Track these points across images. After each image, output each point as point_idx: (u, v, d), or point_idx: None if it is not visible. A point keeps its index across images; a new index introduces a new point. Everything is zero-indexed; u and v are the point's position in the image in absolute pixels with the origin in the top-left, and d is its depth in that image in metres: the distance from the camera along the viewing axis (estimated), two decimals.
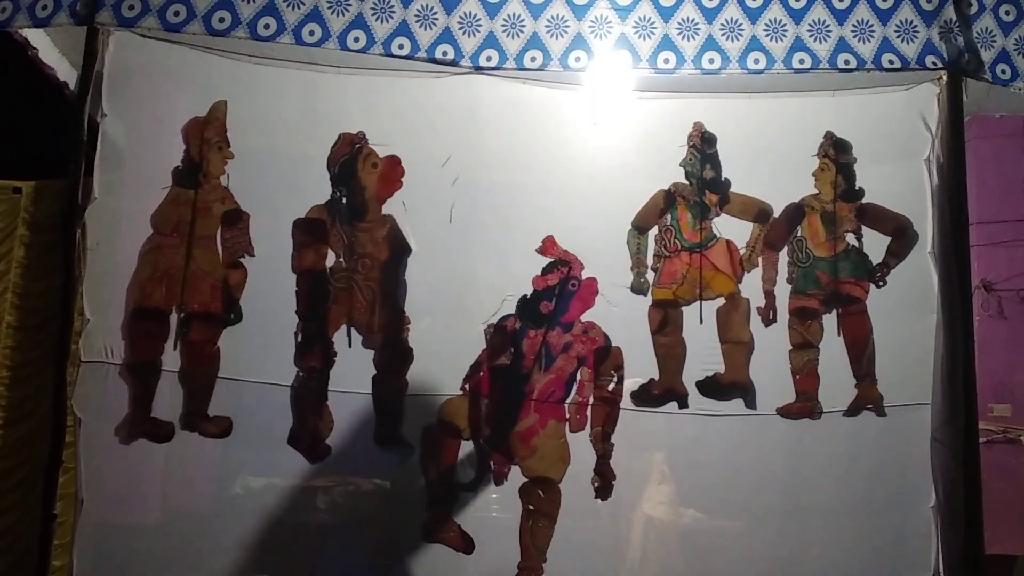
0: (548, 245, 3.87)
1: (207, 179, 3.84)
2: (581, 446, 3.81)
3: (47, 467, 3.59)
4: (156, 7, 3.76)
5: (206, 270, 3.79)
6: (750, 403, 3.82)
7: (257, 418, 3.78)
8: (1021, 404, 4.37)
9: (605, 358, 3.85)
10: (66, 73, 4.25)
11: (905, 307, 3.88)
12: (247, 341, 3.79)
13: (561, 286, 3.86)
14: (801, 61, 3.81)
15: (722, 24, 3.83)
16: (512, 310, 3.85)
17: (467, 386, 3.82)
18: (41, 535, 3.59)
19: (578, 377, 3.84)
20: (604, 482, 3.77)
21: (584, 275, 3.88)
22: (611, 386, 3.84)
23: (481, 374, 3.82)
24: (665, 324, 3.86)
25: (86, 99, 3.75)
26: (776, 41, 3.81)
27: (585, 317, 3.87)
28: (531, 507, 3.76)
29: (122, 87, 3.83)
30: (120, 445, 3.70)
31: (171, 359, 3.76)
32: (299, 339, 3.79)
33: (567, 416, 3.82)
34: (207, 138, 3.86)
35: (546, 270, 3.87)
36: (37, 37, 4.06)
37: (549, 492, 3.77)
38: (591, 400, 3.82)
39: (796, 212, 3.94)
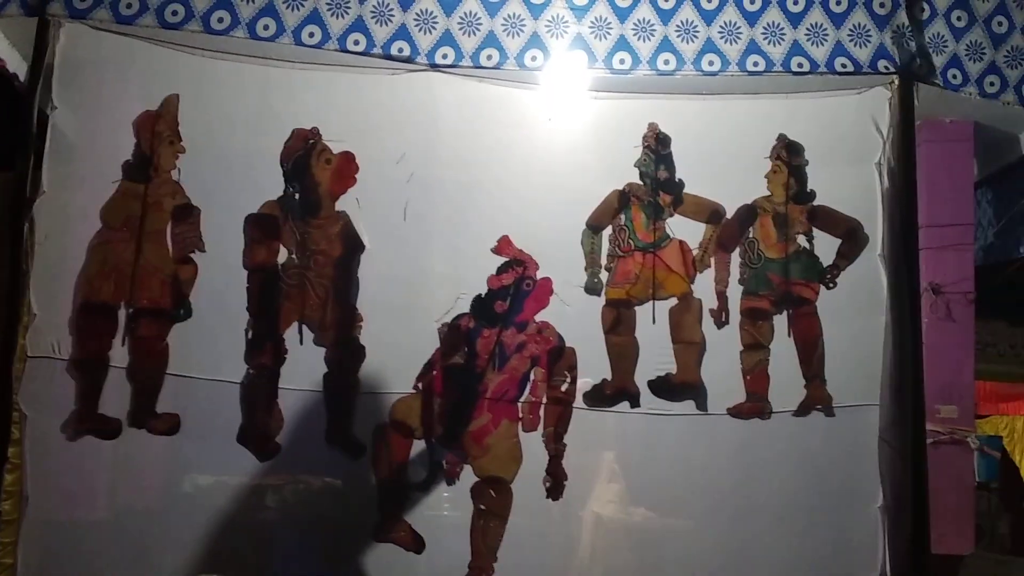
0: (503, 245, 3.86)
1: (158, 173, 3.79)
2: (533, 446, 3.79)
3: None
4: None
5: (156, 265, 3.74)
6: (701, 403, 3.83)
7: (206, 415, 3.72)
8: (967, 406, 4.42)
9: (559, 358, 3.84)
10: (16, 65, 4.17)
11: (855, 309, 3.90)
12: (197, 337, 3.73)
13: (516, 286, 3.86)
14: (755, 63, 3.83)
15: (677, 26, 3.84)
16: (466, 308, 3.83)
17: (420, 385, 3.79)
18: None
19: (531, 377, 3.83)
20: (556, 482, 3.77)
21: (539, 275, 3.88)
22: (564, 386, 3.83)
23: (434, 373, 3.80)
24: (618, 323, 3.86)
25: (36, 91, 3.68)
26: (731, 43, 3.84)
27: (539, 317, 3.86)
28: (482, 507, 3.74)
29: (73, 79, 3.77)
30: (66, 442, 3.63)
31: (119, 355, 3.69)
32: (250, 336, 3.74)
33: (520, 416, 3.81)
34: (158, 132, 3.80)
35: (501, 270, 3.86)
36: None
37: (500, 492, 3.75)
38: (544, 400, 3.82)
39: (748, 214, 3.96)
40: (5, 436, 3.55)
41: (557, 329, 3.86)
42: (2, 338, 3.59)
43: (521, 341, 3.84)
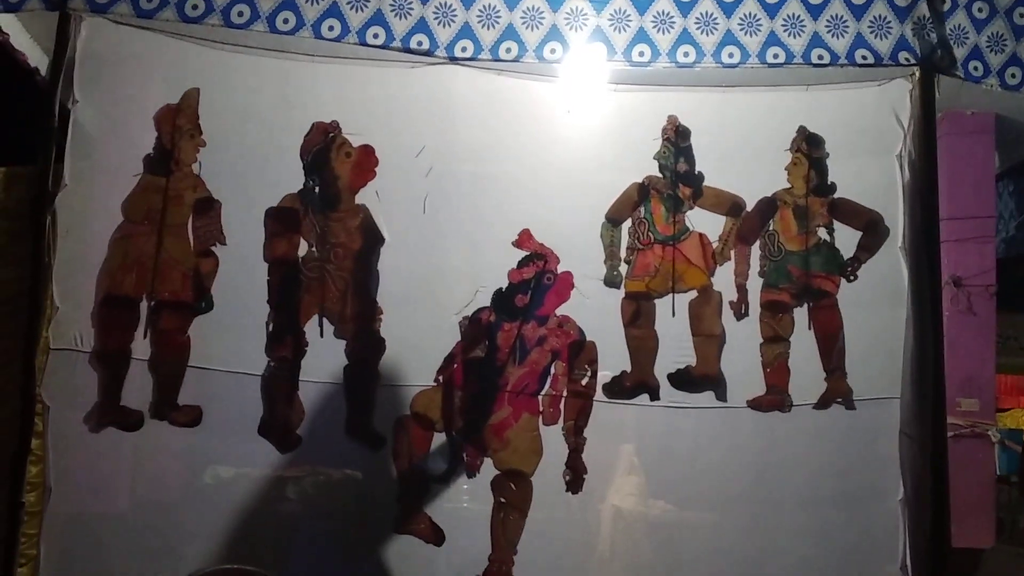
0: (524, 238, 3.86)
1: (179, 167, 3.82)
2: (553, 439, 3.80)
3: (14, 455, 3.56)
4: None
5: (177, 258, 3.77)
6: (721, 396, 3.82)
7: (227, 407, 3.75)
8: (988, 399, 4.39)
9: (579, 352, 3.84)
10: (37, 59, 4.21)
11: (875, 302, 3.88)
12: (218, 330, 3.76)
13: (536, 280, 3.86)
14: (775, 56, 3.82)
15: (697, 18, 3.83)
16: (485, 301, 3.84)
17: (441, 378, 3.80)
18: (9, 523, 3.55)
19: (552, 371, 3.83)
20: (575, 476, 3.77)
21: (559, 269, 3.88)
22: (585, 380, 3.83)
23: (455, 366, 3.81)
24: (638, 316, 3.86)
25: (57, 85, 3.72)
26: (750, 35, 3.82)
27: (560, 311, 3.86)
28: (502, 500, 3.76)
29: (94, 74, 3.80)
30: (89, 434, 3.67)
31: (141, 347, 3.73)
32: (270, 328, 3.77)
33: (540, 409, 3.81)
34: (179, 126, 3.83)
35: (522, 263, 3.86)
36: (8, 22, 4.00)
37: (520, 485, 3.76)
38: (564, 394, 3.82)
39: (768, 206, 3.94)
40: (28, 428, 3.59)
41: (577, 323, 3.85)
42: (25, 331, 3.63)
43: (542, 335, 3.84)
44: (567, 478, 3.77)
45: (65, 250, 3.69)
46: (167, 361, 3.73)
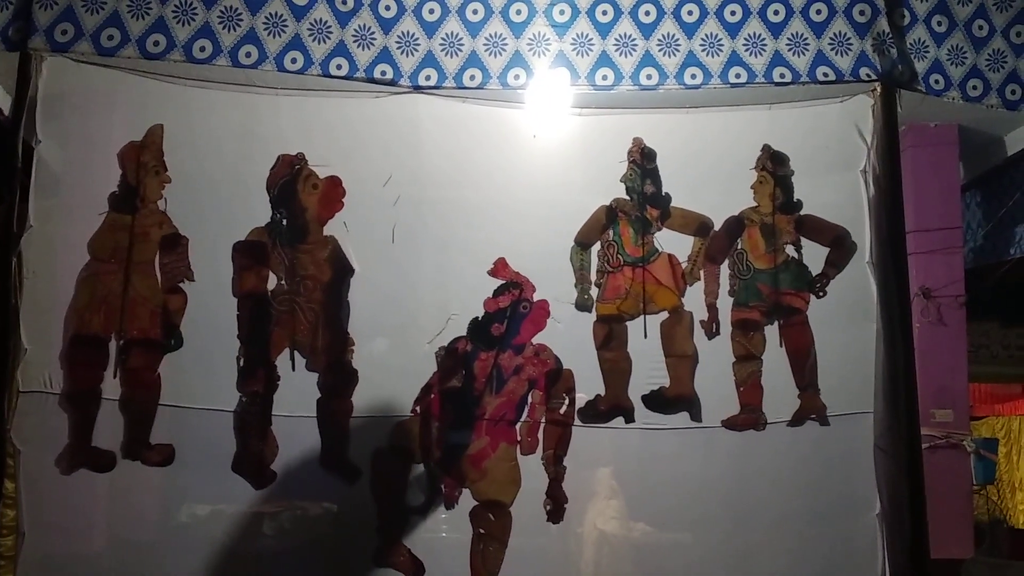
0: (500, 267, 3.86)
1: (144, 204, 3.80)
2: (533, 468, 3.78)
3: None
4: (90, 32, 3.74)
5: (145, 296, 3.74)
6: (695, 416, 3.82)
7: (200, 445, 3.71)
8: (962, 409, 4.42)
9: (556, 380, 3.84)
10: None
11: (845, 317, 3.89)
12: (188, 367, 3.73)
13: (512, 308, 3.85)
14: (737, 75, 3.85)
15: (659, 40, 3.87)
16: (456, 330, 3.82)
17: (418, 408, 3.78)
18: None
19: (529, 399, 3.82)
20: (556, 505, 3.75)
21: (535, 297, 3.87)
22: (563, 409, 3.82)
23: (432, 396, 3.79)
24: (610, 339, 3.86)
25: (20, 125, 3.70)
26: (712, 56, 3.86)
27: (536, 339, 3.86)
28: (482, 531, 3.73)
29: (57, 112, 3.78)
30: (61, 476, 3.62)
31: (111, 387, 3.69)
32: (241, 363, 3.74)
33: (518, 439, 3.79)
34: (144, 162, 3.81)
35: (498, 292, 3.86)
36: None
37: (500, 516, 3.74)
38: (542, 422, 3.80)
39: (736, 225, 3.96)
40: (0, 472, 3.53)
41: (553, 350, 3.85)
42: None
43: (518, 364, 3.83)
44: (548, 508, 3.76)
45: (32, 291, 3.65)
46: (138, 400, 3.69)
